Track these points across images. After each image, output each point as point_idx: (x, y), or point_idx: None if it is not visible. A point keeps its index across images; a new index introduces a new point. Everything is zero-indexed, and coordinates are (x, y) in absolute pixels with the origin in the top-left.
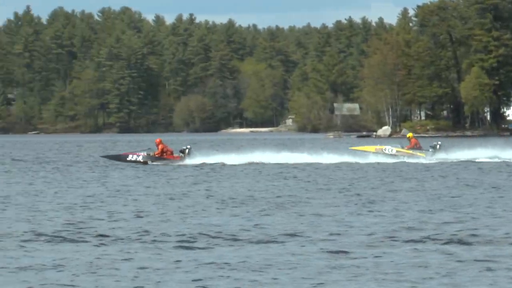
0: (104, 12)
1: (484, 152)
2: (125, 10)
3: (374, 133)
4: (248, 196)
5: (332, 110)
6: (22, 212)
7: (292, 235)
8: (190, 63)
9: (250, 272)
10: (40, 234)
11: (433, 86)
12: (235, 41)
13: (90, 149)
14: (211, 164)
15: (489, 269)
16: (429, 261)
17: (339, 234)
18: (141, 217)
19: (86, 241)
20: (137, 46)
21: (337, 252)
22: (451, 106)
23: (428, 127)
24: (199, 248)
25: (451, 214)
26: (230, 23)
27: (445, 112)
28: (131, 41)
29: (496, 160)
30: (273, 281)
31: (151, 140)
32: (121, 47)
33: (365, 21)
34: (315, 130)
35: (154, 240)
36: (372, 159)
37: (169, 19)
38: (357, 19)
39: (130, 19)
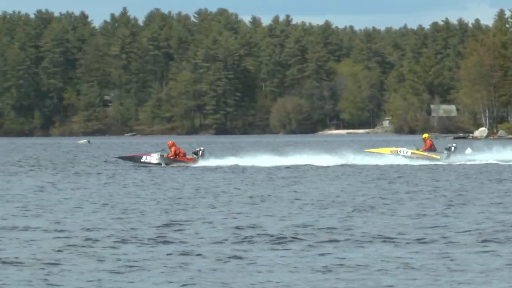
0: (201, 13)
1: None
2: (222, 12)
3: (471, 135)
4: (344, 198)
5: (429, 112)
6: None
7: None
8: (287, 64)
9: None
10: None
11: None
12: (332, 42)
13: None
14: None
15: None
16: None
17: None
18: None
19: (168, 242)
20: (233, 47)
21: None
22: None
23: None
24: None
25: None
26: (327, 25)
27: None
28: (227, 43)
29: None
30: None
31: (246, 142)
32: (218, 48)
33: (461, 23)
34: (411, 131)
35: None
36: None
37: (266, 21)
38: (453, 20)
39: (226, 21)
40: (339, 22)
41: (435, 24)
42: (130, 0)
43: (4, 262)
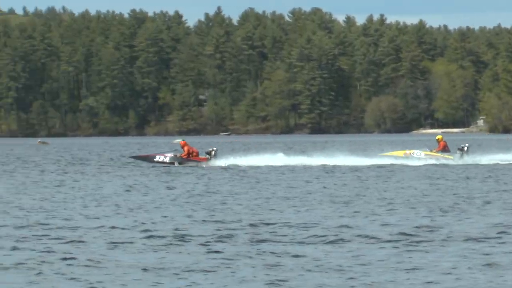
0: (295, 12)
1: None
2: (316, 11)
3: None
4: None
5: None
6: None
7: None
8: (381, 63)
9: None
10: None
11: None
12: (426, 41)
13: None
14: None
15: None
16: None
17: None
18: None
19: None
20: (328, 46)
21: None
22: None
23: None
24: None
25: None
26: (421, 24)
27: None
28: (322, 42)
29: None
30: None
31: (340, 142)
32: (312, 47)
33: None
34: (506, 130)
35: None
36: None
37: (360, 20)
38: None
39: (321, 20)
40: (433, 21)
41: None
42: (225, 0)
43: (97, 261)
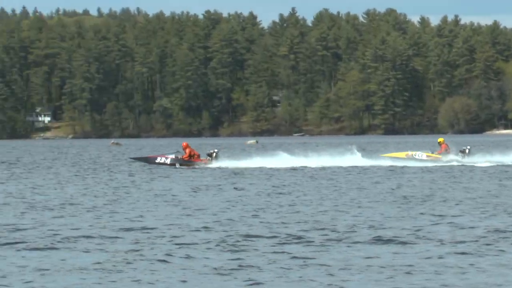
0: (369, 13)
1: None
2: (390, 12)
3: None
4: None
5: None
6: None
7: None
8: (455, 64)
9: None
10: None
11: None
12: (500, 42)
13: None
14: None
15: None
16: None
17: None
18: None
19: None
20: (402, 47)
21: None
22: None
23: None
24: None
25: None
26: (495, 25)
27: None
28: (396, 43)
29: None
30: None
31: (414, 142)
32: (386, 48)
33: None
34: None
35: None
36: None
37: (434, 21)
38: None
39: (395, 21)
40: (508, 21)
41: None
42: (299, 1)
43: (169, 262)
